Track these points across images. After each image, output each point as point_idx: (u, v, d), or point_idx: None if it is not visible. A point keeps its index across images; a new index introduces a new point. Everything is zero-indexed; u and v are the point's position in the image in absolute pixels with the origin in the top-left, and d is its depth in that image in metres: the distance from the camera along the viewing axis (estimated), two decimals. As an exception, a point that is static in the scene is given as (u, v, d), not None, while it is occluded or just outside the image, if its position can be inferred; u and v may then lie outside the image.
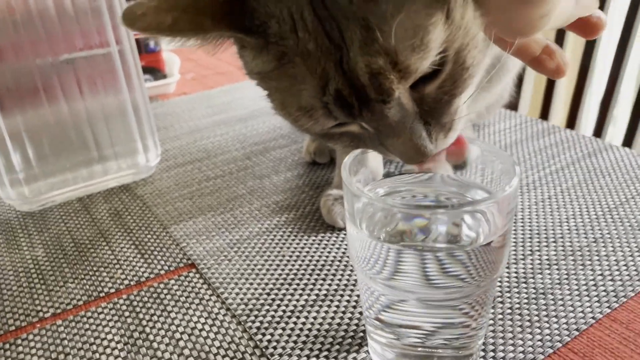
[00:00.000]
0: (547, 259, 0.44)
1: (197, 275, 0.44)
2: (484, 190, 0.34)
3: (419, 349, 0.33)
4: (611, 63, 0.92)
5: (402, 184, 0.36)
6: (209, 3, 0.30)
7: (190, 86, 0.91)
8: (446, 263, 0.29)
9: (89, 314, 0.41)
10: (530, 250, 0.45)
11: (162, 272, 0.45)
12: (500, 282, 0.41)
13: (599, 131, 0.95)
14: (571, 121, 0.99)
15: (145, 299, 0.42)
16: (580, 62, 0.96)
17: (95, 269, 0.46)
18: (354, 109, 0.30)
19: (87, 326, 0.40)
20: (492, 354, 0.35)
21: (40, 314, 0.41)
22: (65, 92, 0.54)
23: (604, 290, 0.40)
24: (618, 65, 0.91)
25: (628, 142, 0.90)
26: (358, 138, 0.34)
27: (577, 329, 0.37)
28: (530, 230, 0.47)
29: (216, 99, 0.84)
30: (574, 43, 1.17)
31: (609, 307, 0.38)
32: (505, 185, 0.30)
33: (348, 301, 0.40)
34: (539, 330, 0.37)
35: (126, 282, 0.44)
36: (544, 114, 1.01)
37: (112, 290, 0.43)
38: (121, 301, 0.42)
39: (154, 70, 0.85)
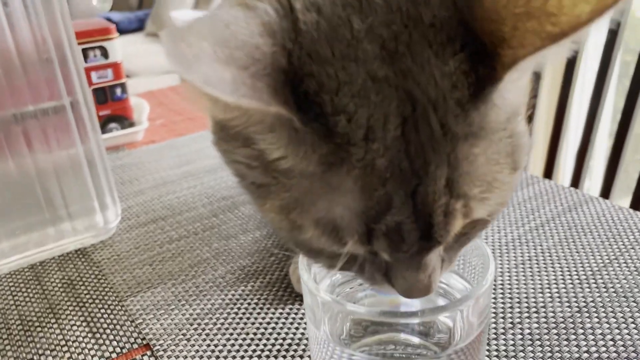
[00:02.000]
0: (529, 334, 0.41)
1: (152, 359, 0.41)
2: (459, 275, 0.31)
3: None
4: (586, 114, 0.92)
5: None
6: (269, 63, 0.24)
7: (160, 133, 0.88)
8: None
9: (28, 409, 0.37)
10: (512, 323, 0.42)
11: (114, 355, 0.41)
12: (479, 362, 0.38)
13: (576, 181, 0.94)
14: (548, 171, 0.98)
15: (93, 389, 0.38)
16: (555, 113, 0.95)
17: (40, 352, 0.42)
18: (403, 245, 0.25)
19: None
20: None
21: (-26, 410, 0.37)
22: (12, 149, 0.50)
23: (591, 371, 0.37)
24: (593, 115, 0.90)
25: (605, 193, 0.89)
26: (354, 262, 0.29)
27: (563, 421, 0.34)
28: (510, 299, 0.45)
29: (185, 147, 0.81)
30: (549, 92, 1.17)
31: (596, 392, 0.35)
32: (481, 278, 0.27)
33: (315, 389, 0.37)
34: (522, 423, 0.34)
35: (73, 368, 0.40)
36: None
37: (57, 379, 0.39)
38: (65, 393, 0.38)
39: (121, 118, 0.82)
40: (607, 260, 0.49)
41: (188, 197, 0.66)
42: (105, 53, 0.77)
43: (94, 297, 0.48)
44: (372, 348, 0.29)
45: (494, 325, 0.42)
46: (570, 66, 0.95)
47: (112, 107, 0.80)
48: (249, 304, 0.46)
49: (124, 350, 0.42)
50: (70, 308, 0.47)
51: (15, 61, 0.48)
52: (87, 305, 0.47)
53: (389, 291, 0.28)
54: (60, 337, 0.44)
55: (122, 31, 3.73)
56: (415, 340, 0.30)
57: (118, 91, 0.80)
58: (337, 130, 0.24)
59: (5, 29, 0.47)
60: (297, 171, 0.26)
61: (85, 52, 0.75)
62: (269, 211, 0.28)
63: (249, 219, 0.60)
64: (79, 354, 0.42)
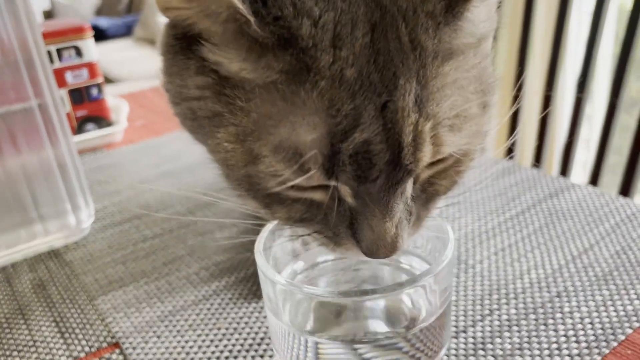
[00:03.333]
0: (507, 319, 0.40)
1: (121, 357, 0.40)
2: (420, 258, 0.30)
3: None
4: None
5: (327, 257, 0.32)
6: None
7: (139, 134, 0.87)
8: (383, 354, 0.26)
9: (-9, 412, 0.36)
10: (489, 310, 0.41)
11: (82, 354, 0.40)
12: (455, 349, 0.37)
13: (564, 172, 0.94)
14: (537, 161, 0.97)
15: (58, 390, 0.37)
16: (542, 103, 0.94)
17: (8, 352, 0.41)
18: (371, 171, 0.24)
19: None
20: None
21: None
22: (-19, 152, 0.49)
23: (568, 355, 0.36)
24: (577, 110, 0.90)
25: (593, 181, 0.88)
26: (315, 211, 0.27)
27: (539, 406, 0.33)
28: (489, 285, 0.44)
29: (165, 147, 0.80)
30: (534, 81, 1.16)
31: (573, 375, 0.35)
32: (440, 254, 0.26)
33: (287, 382, 0.36)
34: (497, 409, 0.33)
35: (39, 369, 0.39)
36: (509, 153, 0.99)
37: (22, 381, 0.38)
38: (30, 394, 0.37)
39: (98, 118, 0.81)
40: (588, 245, 0.48)
41: (165, 196, 0.64)
42: (79, 52, 0.76)
43: (65, 297, 0.47)
44: (338, 337, 0.28)
45: (471, 312, 0.41)
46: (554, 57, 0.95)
47: (88, 107, 0.79)
48: (222, 299, 0.45)
49: (93, 349, 0.41)
50: (40, 309, 0.46)
51: (-22, 61, 0.47)
52: (57, 305, 0.46)
53: (353, 254, 0.27)
54: (28, 337, 0.42)
55: (110, 37, 3.72)
56: (383, 329, 0.29)
57: (94, 91, 0.79)
58: (300, 34, 0.23)
59: (-35, 26, 0.46)
60: (257, 90, 0.24)
61: (59, 52, 0.74)
62: (223, 142, 0.26)
63: (226, 215, 0.59)
64: (47, 354, 0.40)
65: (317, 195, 0.26)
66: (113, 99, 0.88)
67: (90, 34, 0.76)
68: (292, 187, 0.25)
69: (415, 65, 0.23)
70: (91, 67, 0.78)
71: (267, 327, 0.41)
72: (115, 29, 3.73)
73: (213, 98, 0.26)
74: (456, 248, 0.26)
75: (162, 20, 0.30)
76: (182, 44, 0.27)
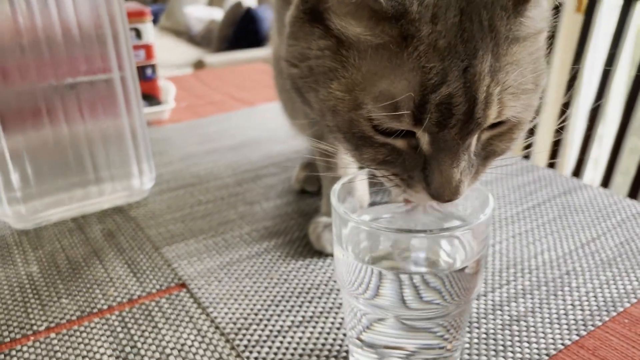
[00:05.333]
0: (522, 289, 0.46)
1: (188, 295, 0.46)
2: (462, 221, 0.37)
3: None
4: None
5: (386, 213, 0.39)
6: None
7: (183, 114, 0.94)
8: (423, 286, 0.32)
9: (82, 328, 0.42)
10: (506, 280, 0.47)
11: (154, 290, 0.47)
12: (476, 308, 0.44)
13: (577, 173, 0.99)
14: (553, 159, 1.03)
15: (137, 315, 0.44)
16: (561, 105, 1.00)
17: (88, 286, 0.48)
18: (451, 119, 0.31)
19: (80, 340, 0.41)
20: (467, 375, 0.37)
21: (35, 327, 0.43)
22: (66, 115, 0.56)
23: (574, 319, 0.42)
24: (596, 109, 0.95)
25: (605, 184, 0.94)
26: (396, 155, 0.34)
27: (547, 354, 0.39)
28: (506, 261, 0.50)
29: (208, 127, 0.87)
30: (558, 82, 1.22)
31: (577, 334, 0.41)
32: (480, 215, 0.32)
33: (332, 323, 0.42)
34: (511, 355, 0.39)
35: (118, 299, 0.46)
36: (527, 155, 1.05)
37: (105, 307, 0.45)
38: (113, 317, 0.43)
39: (150, 97, 0.87)
40: (595, 235, 0.54)
41: (214, 169, 0.71)
42: (139, 34, 0.82)
43: (133, 245, 0.54)
44: (392, 268, 0.34)
45: (490, 281, 0.47)
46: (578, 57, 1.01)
47: (143, 86, 0.86)
48: (273, 256, 0.51)
49: (163, 287, 0.47)
50: (112, 253, 0.53)
51: (76, 34, 0.54)
52: (127, 251, 0.53)
53: (421, 197, 0.33)
54: (105, 275, 0.49)
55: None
56: (423, 270, 0.35)
57: (149, 71, 0.86)
58: (410, 10, 0.30)
59: (69, 4, 0.52)
60: (369, 50, 0.32)
61: (121, 33, 0.81)
62: (335, 91, 0.33)
63: (270, 189, 0.65)
64: (123, 288, 0.47)
65: (399, 143, 0.33)
66: (162, 81, 0.95)
67: (149, 18, 0.83)
68: (381, 132, 0.33)
69: (491, 43, 0.31)
70: (148, 49, 0.85)
71: (312, 280, 0.48)
72: (142, 17, 3.80)
73: (331, 57, 0.34)
74: (493, 211, 0.32)
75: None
76: (310, 16, 0.35)
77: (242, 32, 3.46)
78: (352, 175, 0.36)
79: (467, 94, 0.30)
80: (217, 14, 3.84)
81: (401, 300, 0.32)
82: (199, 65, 2.93)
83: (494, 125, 0.33)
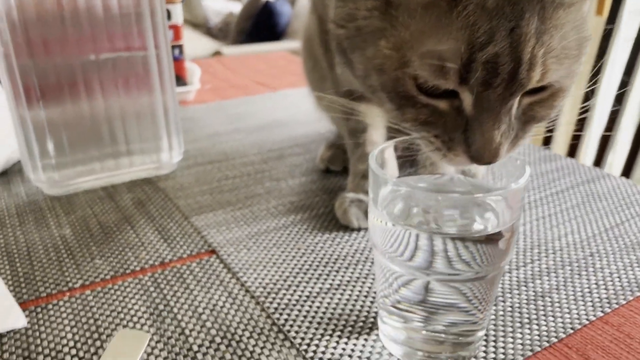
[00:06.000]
0: (546, 267, 0.47)
1: (218, 261, 0.47)
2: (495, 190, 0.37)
3: (424, 332, 0.35)
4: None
5: (418, 182, 0.40)
6: None
7: (208, 96, 0.95)
8: (455, 249, 0.33)
9: (116, 287, 0.44)
10: (531, 259, 0.48)
11: (185, 255, 0.48)
12: (501, 284, 0.44)
13: (598, 162, 1.00)
14: (572, 152, 1.03)
15: (169, 277, 0.45)
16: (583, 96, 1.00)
17: (120, 249, 0.49)
18: (496, 78, 0.31)
19: (114, 297, 0.42)
20: (493, 344, 0.38)
21: (70, 284, 0.44)
22: (102, 88, 0.57)
23: (598, 297, 0.43)
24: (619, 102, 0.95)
25: (626, 173, 0.94)
26: (438, 116, 0.35)
27: (572, 328, 0.39)
28: (531, 242, 0.51)
29: (232, 108, 0.88)
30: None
31: (602, 311, 0.41)
32: (517, 178, 0.33)
33: (359, 291, 0.43)
34: (537, 327, 0.40)
35: (150, 262, 0.47)
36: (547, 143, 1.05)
37: (137, 268, 0.46)
38: (146, 278, 0.45)
39: (177, 77, 0.88)
40: (619, 221, 0.55)
41: (239, 147, 0.72)
42: (169, 15, 0.84)
43: (162, 214, 0.55)
44: (427, 229, 0.35)
45: (515, 260, 0.48)
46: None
47: (170, 66, 0.87)
48: (299, 228, 0.52)
49: (193, 253, 0.48)
50: (142, 220, 0.54)
51: (115, 10, 0.55)
52: (157, 219, 0.54)
53: (460, 160, 0.34)
54: (136, 239, 0.50)
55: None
56: (456, 233, 0.36)
57: (176, 52, 0.87)
58: None
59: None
60: (418, 9, 0.33)
61: (151, 12, 0.82)
62: (383, 49, 0.34)
63: (295, 167, 0.66)
64: (154, 252, 0.48)
65: (442, 104, 0.34)
66: (187, 62, 0.96)
67: (180, -1, 0.84)
68: (425, 92, 0.34)
69: (537, 6, 0.31)
70: (176, 29, 0.86)
71: (339, 251, 0.48)
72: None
73: (379, 17, 0.35)
74: (528, 182, 0.33)
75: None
76: None
77: (259, 25, 3.48)
78: (387, 144, 0.37)
79: (513, 54, 0.31)
80: (235, 7, 3.86)
81: (434, 262, 0.32)
82: (217, 56, 2.95)
83: (535, 91, 0.34)
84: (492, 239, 0.33)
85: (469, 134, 0.33)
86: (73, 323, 0.40)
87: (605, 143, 0.97)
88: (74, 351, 0.37)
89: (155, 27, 0.57)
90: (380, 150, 0.36)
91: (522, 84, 0.32)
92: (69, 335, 0.38)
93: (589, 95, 0.99)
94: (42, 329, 0.39)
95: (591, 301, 0.42)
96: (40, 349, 0.37)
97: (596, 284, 0.45)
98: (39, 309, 0.41)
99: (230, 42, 3.61)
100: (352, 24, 0.36)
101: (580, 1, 0.34)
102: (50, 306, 0.41)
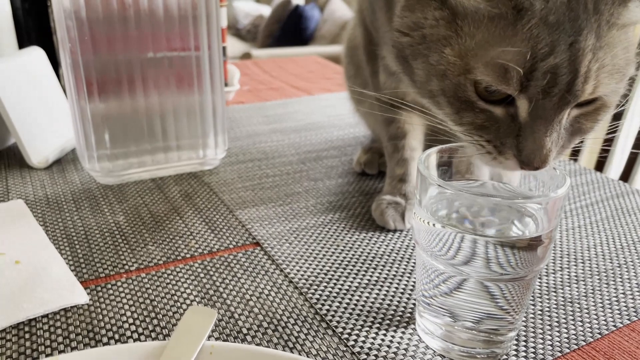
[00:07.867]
0: (576, 275, 0.49)
1: (262, 253, 0.50)
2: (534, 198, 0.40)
3: (459, 327, 0.38)
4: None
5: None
6: None
7: (246, 97, 0.99)
8: (496, 250, 0.35)
9: (169, 271, 0.47)
10: (560, 267, 0.50)
11: (231, 246, 0.51)
12: (532, 292, 0.46)
13: (625, 177, 1.01)
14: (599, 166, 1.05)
15: (217, 265, 0.48)
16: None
17: (171, 237, 0.52)
18: (554, 88, 0.34)
19: (167, 280, 0.45)
20: (524, 344, 0.40)
21: (126, 266, 0.47)
22: (157, 85, 0.60)
23: (625, 306, 0.45)
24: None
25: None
26: (493, 122, 0.37)
27: (599, 333, 0.41)
28: (561, 250, 0.53)
29: (271, 110, 0.91)
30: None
31: (629, 319, 0.43)
32: (558, 188, 0.35)
33: (397, 288, 0.46)
34: (566, 330, 0.42)
35: (199, 250, 0.50)
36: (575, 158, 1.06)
37: (188, 256, 0.49)
38: (196, 265, 0.48)
39: (217, 77, 0.92)
40: (648, 236, 0.56)
41: (278, 147, 0.75)
42: (215, 18, 0.87)
43: (209, 206, 0.58)
44: (469, 230, 0.38)
45: (545, 268, 0.50)
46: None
47: (212, 66, 0.90)
48: (338, 226, 0.55)
49: (239, 244, 0.51)
50: (190, 212, 0.57)
51: (175, 12, 0.58)
52: (203, 211, 0.57)
53: (510, 164, 0.37)
54: (185, 229, 0.54)
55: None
56: (497, 235, 0.38)
57: (219, 53, 0.90)
58: None
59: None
60: (484, 20, 0.35)
61: (198, 14, 0.86)
62: (448, 56, 0.37)
63: (332, 169, 0.69)
64: (203, 241, 0.51)
65: (498, 110, 0.37)
66: (228, 64, 0.99)
67: (226, 3, 0.88)
68: (483, 99, 0.36)
69: (595, 24, 0.34)
70: (222, 32, 0.89)
71: (376, 250, 0.51)
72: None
73: (445, 26, 0.37)
74: (568, 192, 0.35)
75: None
76: None
77: (288, 29, 3.52)
78: (432, 150, 0.40)
79: (571, 66, 0.34)
80: (265, 10, 3.91)
81: (474, 262, 0.35)
82: (246, 57, 2.99)
83: (584, 104, 0.36)
84: (531, 244, 0.35)
85: (521, 140, 0.36)
86: (131, 302, 0.43)
87: (633, 159, 0.98)
88: (133, 327, 0.40)
89: (209, 30, 0.61)
90: (427, 155, 0.38)
91: (577, 95, 0.34)
92: (128, 313, 0.42)
93: (618, 116, 1.00)
94: (103, 306, 0.42)
95: (618, 309, 0.44)
96: (102, 324, 0.40)
97: (624, 293, 0.47)
98: (99, 288, 0.44)
99: (259, 44, 3.66)
100: (418, 32, 0.39)
101: (631, 24, 0.36)
102: (109, 285, 0.45)
